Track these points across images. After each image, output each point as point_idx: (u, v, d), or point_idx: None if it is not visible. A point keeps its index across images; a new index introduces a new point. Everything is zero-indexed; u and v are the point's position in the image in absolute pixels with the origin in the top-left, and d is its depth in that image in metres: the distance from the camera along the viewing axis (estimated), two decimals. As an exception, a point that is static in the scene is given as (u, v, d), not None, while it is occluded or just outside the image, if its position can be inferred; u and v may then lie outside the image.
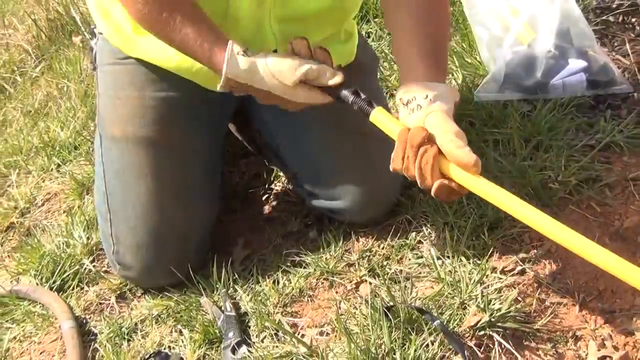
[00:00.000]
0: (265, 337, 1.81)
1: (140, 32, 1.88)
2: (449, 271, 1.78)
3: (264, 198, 2.28)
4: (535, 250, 1.81)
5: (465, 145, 1.50)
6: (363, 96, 1.65)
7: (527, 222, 1.44)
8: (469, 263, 1.79)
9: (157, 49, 1.86)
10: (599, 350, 1.58)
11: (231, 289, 1.95)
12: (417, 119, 1.57)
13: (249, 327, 1.84)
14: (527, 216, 1.43)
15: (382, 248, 1.95)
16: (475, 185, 1.49)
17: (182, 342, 1.87)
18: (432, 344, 1.62)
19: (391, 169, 1.60)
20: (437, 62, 1.69)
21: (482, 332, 1.64)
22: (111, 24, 1.98)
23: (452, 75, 2.42)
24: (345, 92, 1.67)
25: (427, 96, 1.57)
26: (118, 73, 2.01)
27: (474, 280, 1.73)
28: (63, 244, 2.27)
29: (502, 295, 1.70)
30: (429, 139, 1.52)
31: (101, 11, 2.00)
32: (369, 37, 2.75)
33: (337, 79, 1.65)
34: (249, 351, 1.76)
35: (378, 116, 1.64)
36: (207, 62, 1.71)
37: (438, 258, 1.83)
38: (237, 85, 1.70)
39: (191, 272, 1.97)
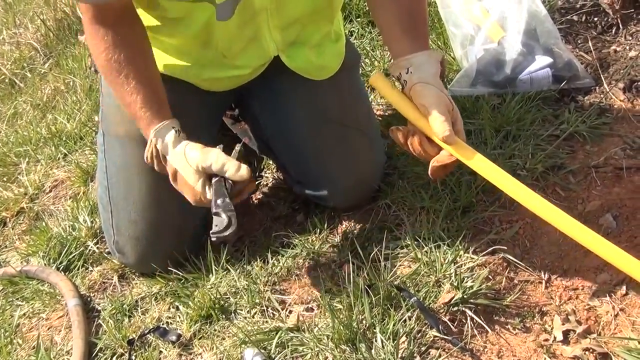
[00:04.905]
0: (255, 312, 1.80)
1: None
2: (425, 252, 1.77)
3: (256, 184, 2.26)
4: (505, 232, 1.80)
5: (441, 114, 1.53)
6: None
7: (502, 187, 1.50)
8: (444, 244, 1.78)
9: None
10: (563, 324, 1.58)
11: (224, 269, 1.93)
12: (407, 93, 1.61)
13: (241, 304, 1.83)
14: (504, 184, 1.49)
15: (364, 230, 1.94)
16: (462, 154, 1.54)
17: (179, 317, 1.85)
18: (410, 319, 1.62)
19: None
20: (417, 30, 1.69)
21: (455, 308, 1.64)
22: None
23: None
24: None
25: (408, 70, 1.60)
26: None
27: (448, 260, 1.73)
28: (69, 227, 2.26)
29: (474, 274, 1.69)
30: (412, 132, 1.58)
31: None
32: (351, 35, 2.74)
33: (244, 172, 1.62)
34: None
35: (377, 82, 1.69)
36: (144, 127, 1.70)
37: (415, 240, 1.82)
38: (156, 153, 1.69)
39: (187, 254, 1.97)
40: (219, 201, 1.59)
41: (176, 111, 1.91)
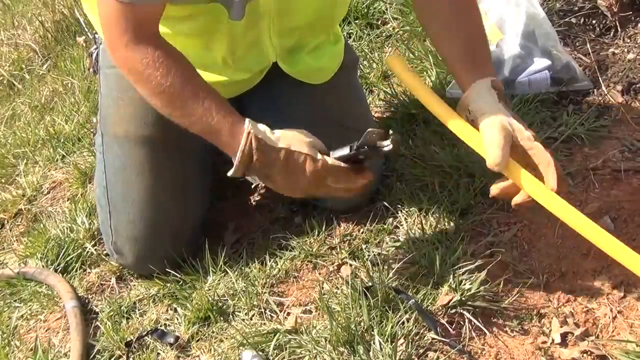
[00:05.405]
0: (253, 315, 1.80)
1: None
2: (423, 254, 1.77)
3: (253, 186, 2.25)
4: (503, 235, 1.80)
5: (496, 138, 1.47)
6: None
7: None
8: (442, 246, 1.78)
9: None
10: (561, 326, 1.58)
11: (222, 271, 1.93)
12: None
13: (239, 306, 1.83)
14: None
15: (362, 232, 1.94)
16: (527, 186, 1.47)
17: (177, 319, 1.85)
18: (408, 322, 1.62)
19: None
20: (474, 61, 1.63)
21: (453, 310, 1.64)
22: None
23: (427, 72, 2.40)
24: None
25: (469, 111, 1.56)
26: (120, 75, 1.92)
27: (446, 262, 1.72)
28: (67, 229, 2.25)
29: (472, 276, 1.69)
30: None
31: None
32: (350, 37, 2.73)
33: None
34: None
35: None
36: (229, 127, 1.59)
37: (413, 242, 1.82)
38: (257, 145, 1.56)
39: (185, 255, 1.96)
40: (352, 145, 1.61)
41: None
